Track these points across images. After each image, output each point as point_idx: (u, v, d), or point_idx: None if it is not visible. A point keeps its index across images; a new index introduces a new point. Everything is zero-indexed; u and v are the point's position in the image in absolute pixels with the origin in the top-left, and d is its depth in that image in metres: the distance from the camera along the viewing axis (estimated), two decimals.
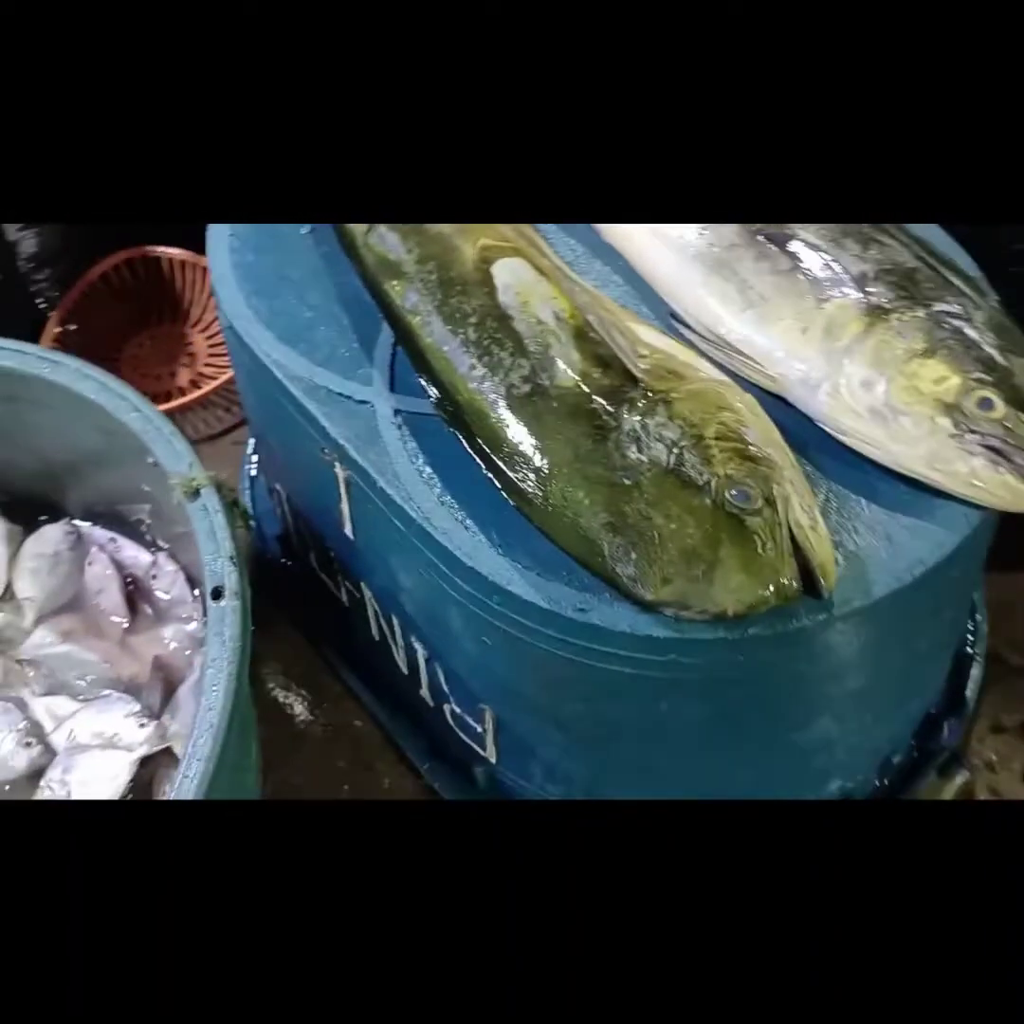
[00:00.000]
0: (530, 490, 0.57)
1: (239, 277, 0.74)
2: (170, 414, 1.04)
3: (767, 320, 0.64)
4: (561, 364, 0.60)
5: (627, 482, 0.55)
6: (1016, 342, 0.61)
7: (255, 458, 1.01)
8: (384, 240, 0.69)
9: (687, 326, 0.68)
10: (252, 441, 1.03)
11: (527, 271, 0.66)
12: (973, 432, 0.57)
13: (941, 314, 0.60)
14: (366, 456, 0.64)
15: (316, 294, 0.73)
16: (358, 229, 0.70)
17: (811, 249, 0.64)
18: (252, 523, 0.97)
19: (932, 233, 0.69)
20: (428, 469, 0.63)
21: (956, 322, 0.60)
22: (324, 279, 0.74)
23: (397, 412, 0.66)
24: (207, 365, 1.16)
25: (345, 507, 0.70)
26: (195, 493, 0.69)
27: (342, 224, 0.72)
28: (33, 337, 1.13)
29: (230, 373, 1.09)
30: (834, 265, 0.63)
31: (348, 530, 0.72)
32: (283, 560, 0.96)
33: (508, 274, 0.65)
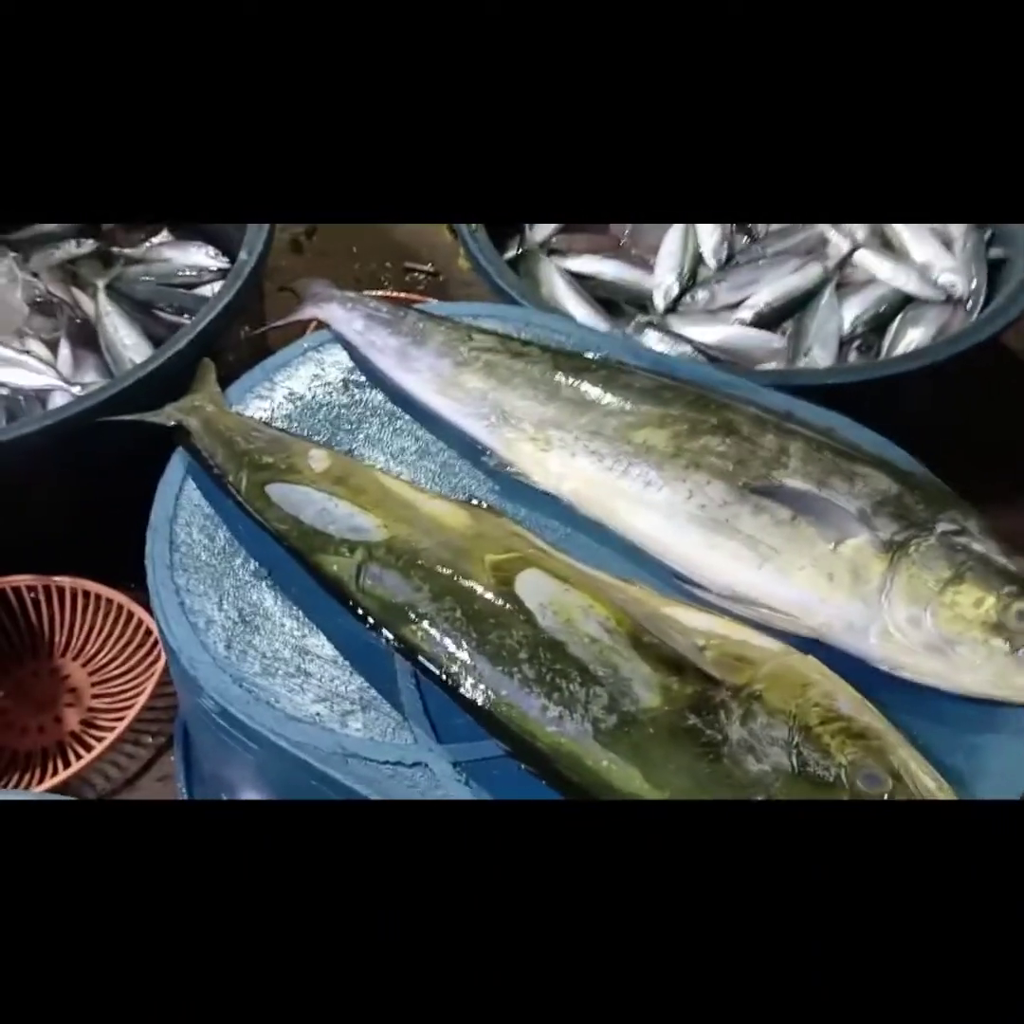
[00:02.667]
0: None
1: (212, 645, 0.66)
2: (77, 778, 0.91)
3: (787, 571, 0.65)
4: (638, 685, 0.58)
5: (760, 800, 0.54)
6: (1003, 540, 0.66)
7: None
8: (382, 581, 0.64)
9: (698, 586, 0.68)
10: (182, 775, 0.92)
11: (549, 582, 0.63)
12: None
13: (947, 535, 0.64)
14: None
15: (299, 647, 0.66)
16: (346, 572, 0.65)
17: (803, 496, 0.67)
18: None
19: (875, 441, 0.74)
20: None
21: (961, 539, 0.64)
22: (302, 622, 0.67)
23: (456, 765, 0.61)
24: (96, 697, 1.02)
25: None
26: None
27: (321, 567, 0.66)
28: None
29: (139, 704, 0.96)
30: (830, 508, 0.66)
31: None
32: None
33: (535, 592, 0.62)
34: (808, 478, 0.67)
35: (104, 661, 1.04)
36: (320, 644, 0.67)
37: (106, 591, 1.04)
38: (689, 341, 1.08)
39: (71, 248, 1.28)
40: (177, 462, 0.77)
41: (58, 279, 1.25)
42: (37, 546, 1.05)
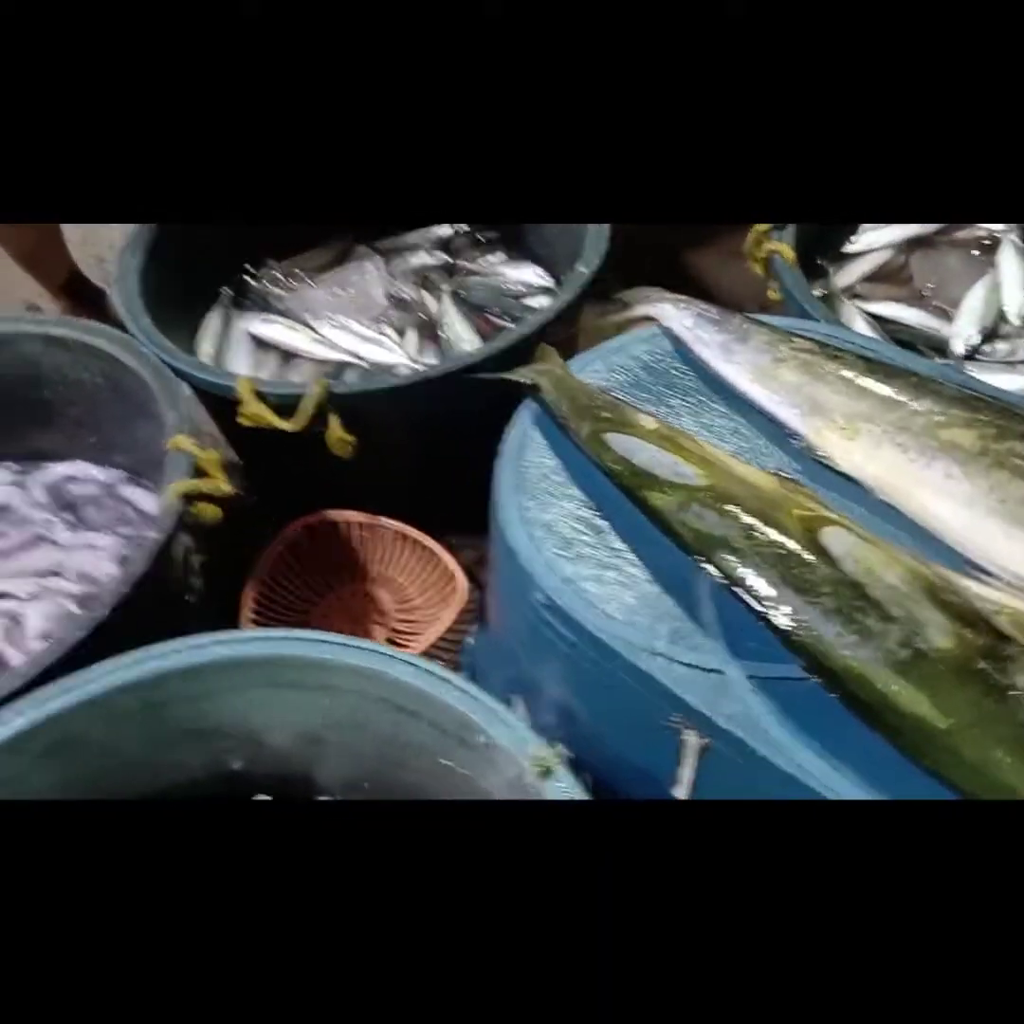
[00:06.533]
0: (937, 751, 0.60)
1: (545, 550, 0.78)
2: None
3: None
4: (933, 629, 0.64)
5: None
6: None
7: None
8: (701, 517, 0.75)
9: (988, 574, 0.74)
10: None
11: (852, 538, 0.71)
12: None
13: None
14: (735, 725, 0.67)
15: (618, 564, 0.78)
16: (669, 507, 0.76)
17: None
18: None
19: None
20: (804, 734, 0.66)
21: None
22: (621, 546, 0.79)
23: (750, 678, 0.69)
24: (399, 621, 1.19)
25: (686, 772, 0.72)
26: (547, 772, 0.70)
27: (647, 501, 0.77)
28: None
29: (437, 631, 1.12)
30: None
31: (680, 793, 0.73)
32: None
33: (840, 543, 0.71)
34: None
35: (410, 594, 1.21)
36: (635, 564, 0.78)
37: (422, 537, 1.21)
38: (985, 386, 1.12)
39: (425, 258, 1.51)
40: (524, 411, 0.92)
41: (411, 282, 1.48)
42: (375, 489, 1.25)
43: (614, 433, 0.84)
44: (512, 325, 1.40)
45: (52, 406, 1.24)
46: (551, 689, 0.83)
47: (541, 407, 0.91)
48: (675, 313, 0.98)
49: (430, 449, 1.21)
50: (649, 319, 1.01)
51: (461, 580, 1.16)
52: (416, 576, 1.22)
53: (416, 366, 1.31)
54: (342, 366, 1.35)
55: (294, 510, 1.26)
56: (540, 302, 1.43)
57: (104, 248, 1.88)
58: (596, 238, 1.25)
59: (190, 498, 0.97)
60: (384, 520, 1.23)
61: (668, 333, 0.98)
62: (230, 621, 1.16)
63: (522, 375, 0.94)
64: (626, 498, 0.80)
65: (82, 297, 1.65)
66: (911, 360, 0.93)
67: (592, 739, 0.83)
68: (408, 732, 0.80)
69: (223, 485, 0.97)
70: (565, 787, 0.69)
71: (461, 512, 1.21)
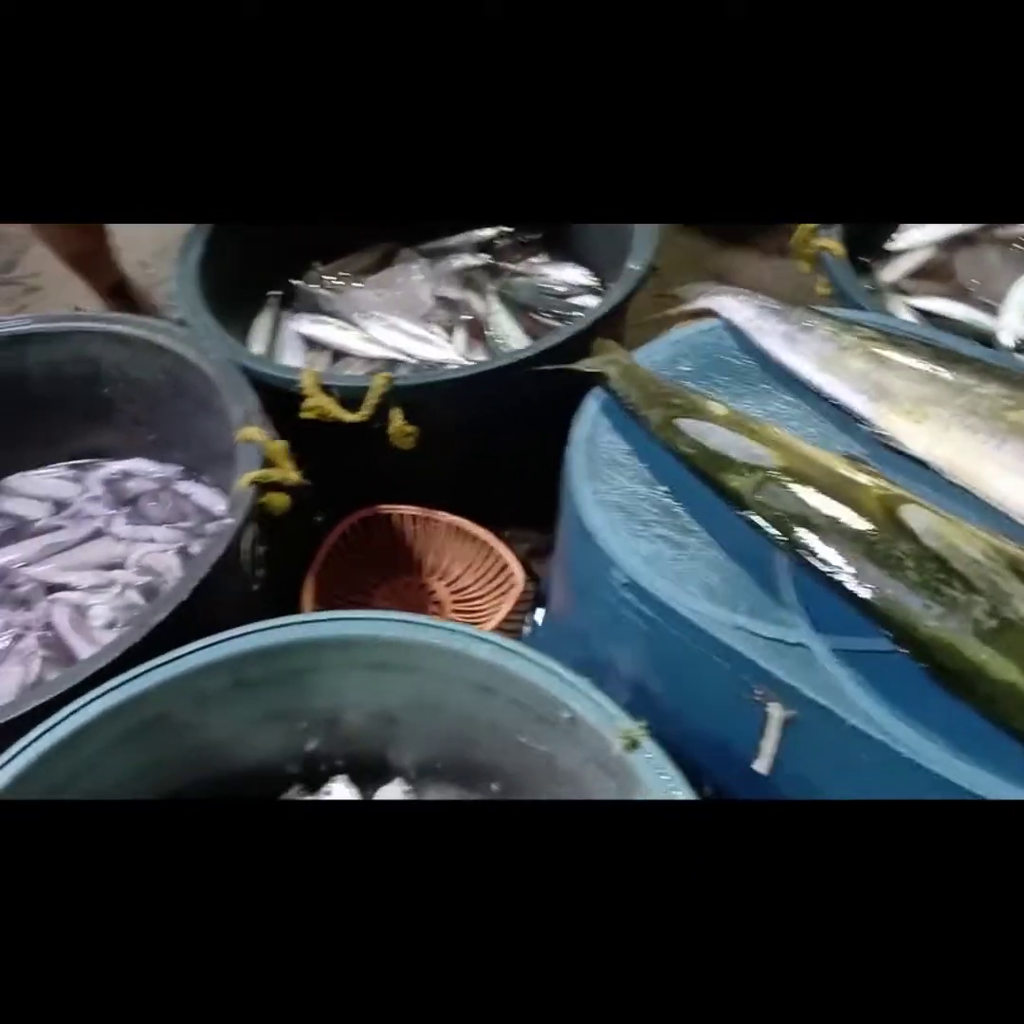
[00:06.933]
0: None
1: (623, 532, 0.80)
2: None
3: None
4: (1018, 598, 0.66)
5: None
6: None
7: None
8: (778, 497, 0.76)
9: None
10: None
11: (932, 515, 0.73)
12: None
13: None
14: (823, 695, 0.68)
15: (693, 545, 0.79)
16: (745, 488, 0.78)
17: None
18: None
19: None
20: (891, 704, 0.67)
21: None
22: (697, 528, 0.80)
23: (834, 652, 0.71)
24: (456, 612, 1.21)
25: (768, 744, 0.73)
26: (634, 744, 0.72)
27: (723, 483, 0.79)
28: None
29: (493, 622, 1.13)
30: None
31: (761, 766, 0.75)
32: None
33: (920, 520, 0.72)
34: None
35: (464, 584, 1.23)
36: (711, 544, 0.79)
37: (475, 529, 1.23)
38: None
39: (468, 260, 1.53)
40: (591, 400, 0.93)
41: (456, 283, 1.51)
42: (428, 483, 1.27)
43: (685, 418, 0.86)
44: (558, 324, 1.42)
45: (112, 403, 1.26)
46: (626, 669, 0.85)
47: (609, 396, 0.92)
48: (736, 305, 1.00)
49: (484, 443, 1.23)
50: (705, 313, 1.03)
51: (517, 571, 1.18)
52: (471, 568, 1.23)
53: (466, 363, 1.33)
54: (392, 363, 1.37)
55: (349, 505, 1.28)
56: (585, 301, 1.45)
57: (146, 253, 1.91)
58: (646, 236, 1.28)
59: (260, 487, 0.99)
60: (438, 513, 1.25)
61: (728, 325, 1.00)
62: (288, 613, 1.18)
63: (589, 366, 0.96)
64: (699, 481, 0.82)
65: (129, 300, 1.68)
66: (974, 347, 0.94)
67: (669, 716, 0.84)
68: (488, 710, 0.81)
69: (291, 474, 0.99)
70: (653, 758, 0.71)
71: (514, 505, 1.24)
